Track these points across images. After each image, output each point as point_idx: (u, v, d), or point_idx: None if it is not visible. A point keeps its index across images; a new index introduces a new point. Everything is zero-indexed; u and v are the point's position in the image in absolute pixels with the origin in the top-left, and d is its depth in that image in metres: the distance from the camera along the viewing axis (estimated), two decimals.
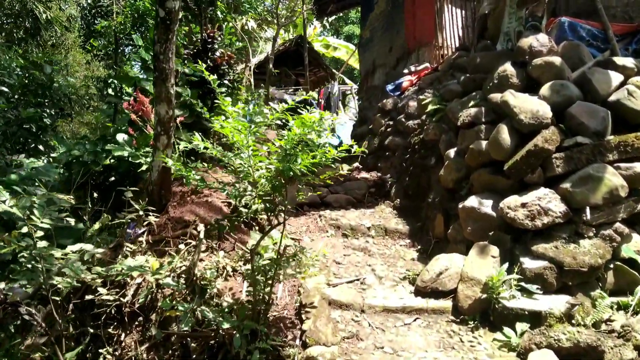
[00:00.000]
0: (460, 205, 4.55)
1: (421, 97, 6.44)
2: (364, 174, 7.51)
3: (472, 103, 5.14)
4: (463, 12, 7.24)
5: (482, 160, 4.60)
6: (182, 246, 4.35)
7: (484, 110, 4.86)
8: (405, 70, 8.16)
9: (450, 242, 4.80)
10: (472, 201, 4.46)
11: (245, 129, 3.22)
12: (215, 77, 3.83)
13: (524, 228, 4.01)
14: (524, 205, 4.04)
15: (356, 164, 8.21)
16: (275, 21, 17.03)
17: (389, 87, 7.91)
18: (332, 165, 3.72)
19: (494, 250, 4.11)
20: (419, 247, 5.35)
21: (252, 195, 3.56)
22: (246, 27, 13.43)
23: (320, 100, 23.81)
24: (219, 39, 7.58)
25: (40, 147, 10.71)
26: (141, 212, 4.58)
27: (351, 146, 3.60)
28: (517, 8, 5.60)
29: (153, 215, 4.69)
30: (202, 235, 4.27)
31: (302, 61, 18.30)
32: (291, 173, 3.25)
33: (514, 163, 4.21)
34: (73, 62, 22.81)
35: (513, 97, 4.43)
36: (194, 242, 4.37)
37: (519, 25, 5.57)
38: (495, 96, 4.73)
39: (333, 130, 22.99)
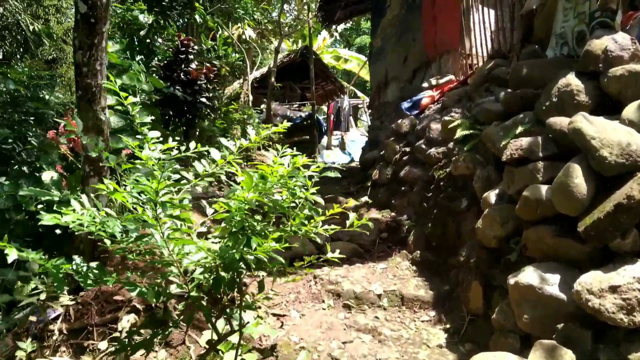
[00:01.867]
0: (511, 281, 3.20)
1: (446, 118, 5.13)
2: (374, 213, 6.18)
3: (520, 129, 3.82)
4: (496, 11, 5.94)
5: (542, 213, 3.26)
6: (103, 345, 3.04)
7: (541, 141, 3.52)
8: (425, 84, 6.87)
9: (496, 329, 3.44)
10: (529, 276, 3.11)
11: (153, 195, 1.92)
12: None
13: (616, 325, 2.66)
14: (614, 289, 2.69)
15: (365, 198, 6.89)
16: (278, 30, 15.87)
17: (405, 104, 6.61)
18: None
19: (568, 355, 2.75)
20: (448, 325, 4.01)
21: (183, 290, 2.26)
22: (244, 37, 12.21)
23: (330, 115, 22.65)
24: (196, 48, 6.35)
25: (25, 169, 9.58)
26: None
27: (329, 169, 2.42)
28: (576, 1, 4.29)
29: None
30: (126, 326, 2.96)
31: (308, 74, 17.08)
32: (241, 265, 1.96)
33: (595, 222, 2.87)
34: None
35: (588, 124, 3.10)
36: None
37: (579, 23, 4.25)
38: (557, 121, 3.41)
39: (343, 148, 21.85)
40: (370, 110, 11.43)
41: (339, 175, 2.61)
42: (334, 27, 22.16)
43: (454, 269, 4.36)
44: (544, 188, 3.27)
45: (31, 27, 19.19)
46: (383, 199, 6.38)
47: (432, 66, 7.47)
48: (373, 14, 11.24)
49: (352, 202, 6.47)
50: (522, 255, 3.42)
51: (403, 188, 5.89)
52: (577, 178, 3.01)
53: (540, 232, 3.25)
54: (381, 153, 6.95)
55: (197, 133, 6.31)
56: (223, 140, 2.75)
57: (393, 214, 5.96)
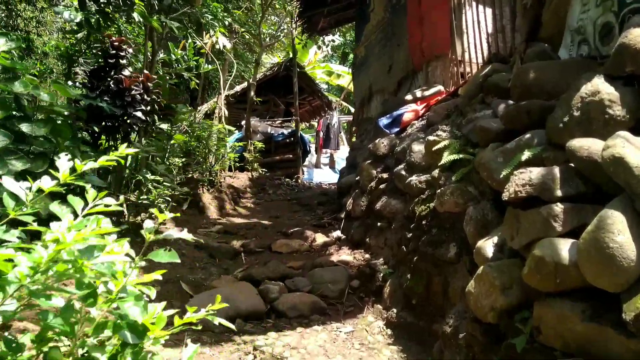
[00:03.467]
0: None
1: (431, 137, 4.09)
2: (345, 254, 5.12)
3: (527, 155, 2.78)
4: (493, 9, 4.94)
5: (565, 283, 2.20)
6: None
7: (559, 174, 2.47)
8: (408, 97, 5.85)
9: None
10: None
11: None
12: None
13: None
14: None
15: (337, 233, 5.82)
16: (258, 41, 14.91)
17: (383, 120, 5.58)
18: None
19: None
20: None
21: None
22: (217, 47, 11.21)
23: (319, 132, 21.67)
24: (130, 51, 5.31)
25: None
26: None
27: None
28: None
29: None
30: None
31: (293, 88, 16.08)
32: None
33: None
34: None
35: (635, 150, 2.06)
36: None
37: (604, 12, 3.24)
38: (583, 145, 2.38)
39: (333, 166, 20.84)
40: (353, 128, 10.40)
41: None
42: (323, 39, 21.26)
43: (439, 339, 3.28)
44: (565, 245, 2.22)
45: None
46: (357, 235, 5.32)
47: (418, 76, 6.47)
48: (357, 21, 10.28)
49: (320, 238, 5.42)
50: (534, 342, 2.35)
51: (379, 224, 4.82)
52: (620, 234, 1.97)
53: (562, 313, 2.19)
54: (357, 178, 5.89)
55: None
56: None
57: (367, 255, 4.89)
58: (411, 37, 6.53)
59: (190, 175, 7.74)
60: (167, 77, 11.91)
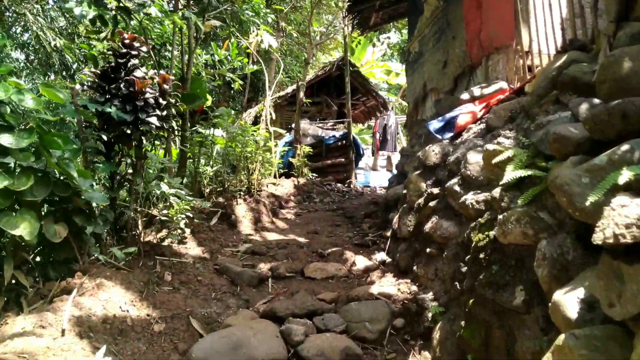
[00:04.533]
0: None
1: (490, 146, 3.30)
2: (388, 284, 4.37)
3: (627, 176, 1.97)
4: None
5: None
6: None
7: None
8: (464, 96, 5.04)
9: None
10: None
11: None
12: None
13: None
14: None
15: (381, 256, 5.07)
16: (309, 39, 14.31)
17: (434, 124, 4.80)
18: None
19: None
20: None
21: None
22: (262, 46, 10.68)
23: (375, 133, 20.92)
24: (144, 49, 4.76)
25: None
26: None
27: None
28: None
29: None
30: None
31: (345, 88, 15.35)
32: None
33: None
34: None
35: None
36: None
37: None
38: None
39: (390, 168, 19.96)
40: (406, 132, 9.60)
41: None
42: (377, 36, 20.42)
43: None
44: None
45: (52, 43, 18.54)
46: (403, 261, 4.55)
47: (476, 72, 5.64)
48: (410, 15, 9.46)
49: (361, 262, 4.71)
50: None
51: (429, 249, 4.04)
52: None
53: None
54: (404, 192, 5.12)
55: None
56: None
57: (414, 287, 4.12)
58: (468, 27, 5.71)
59: (225, 185, 7.19)
60: (210, 79, 11.49)
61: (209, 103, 10.72)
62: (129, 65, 4.71)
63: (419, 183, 4.59)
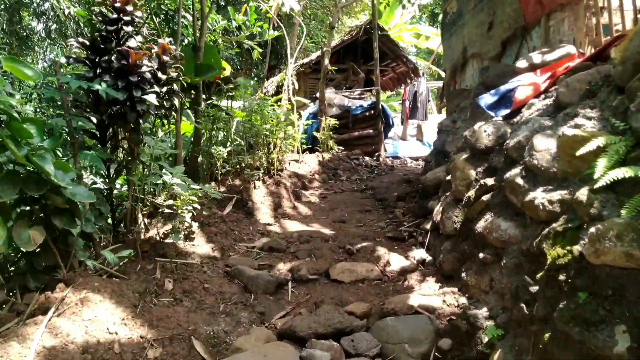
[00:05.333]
0: None
1: (569, 131, 2.57)
2: (429, 292, 3.69)
3: None
4: None
5: None
6: None
7: None
8: (521, 63, 4.25)
9: None
10: None
11: None
12: None
13: None
14: None
15: (420, 254, 4.39)
16: (333, 2, 13.42)
17: (486, 98, 4.03)
18: None
19: None
20: None
21: None
22: (284, 9, 9.89)
23: (405, 101, 20.02)
24: (138, 15, 4.08)
25: None
26: None
27: None
28: None
29: None
30: None
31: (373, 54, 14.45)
32: None
33: None
34: None
35: None
36: None
37: None
38: None
39: (421, 137, 19.15)
40: (442, 102, 8.79)
41: None
42: None
43: None
44: None
45: (67, 11, 17.96)
46: (448, 263, 3.86)
47: (532, 34, 4.82)
48: None
49: (396, 261, 4.07)
50: None
51: (482, 255, 3.34)
52: None
53: None
54: (447, 178, 4.40)
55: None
56: None
57: (463, 299, 3.44)
58: None
59: (242, 166, 6.54)
60: (227, 46, 10.78)
61: (227, 73, 10.05)
62: (121, 33, 4.04)
63: (467, 170, 3.86)
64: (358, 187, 8.14)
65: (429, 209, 4.92)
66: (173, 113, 4.60)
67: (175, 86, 4.28)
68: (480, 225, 3.40)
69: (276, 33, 11.01)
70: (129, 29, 4.01)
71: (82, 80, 3.72)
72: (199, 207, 4.33)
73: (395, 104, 30.94)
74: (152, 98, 3.94)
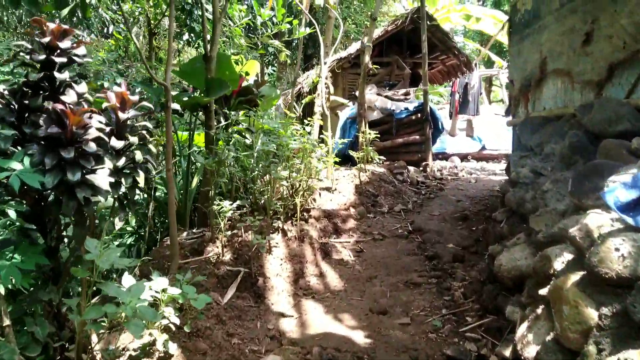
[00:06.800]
0: None
1: None
2: None
3: None
4: None
5: None
6: None
7: None
8: None
9: None
10: None
11: None
12: None
13: None
14: None
15: None
16: None
17: (617, 193, 2.49)
18: None
19: None
20: None
21: None
22: (317, 2, 8.48)
23: (454, 93, 18.39)
24: (81, 52, 2.78)
25: None
26: None
27: None
28: None
29: None
30: None
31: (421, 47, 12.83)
32: None
33: None
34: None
35: None
36: None
37: None
38: None
39: (471, 132, 17.56)
40: (509, 119, 7.26)
41: None
42: None
43: None
44: None
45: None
46: None
47: None
48: None
49: None
50: None
51: None
52: None
53: None
54: (534, 267, 2.99)
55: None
56: None
57: None
58: None
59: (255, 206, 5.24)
60: (251, 47, 9.46)
61: (253, 74, 8.75)
62: (56, 81, 2.77)
63: (583, 308, 2.44)
64: (402, 227, 6.74)
65: (505, 314, 3.52)
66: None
67: (138, 155, 2.97)
68: None
69: (308, 30, 9.63)
70: (64, 75, 2.73)
71: None
72: (177, 322, 3.07)
73: (442, 90, 29.11)
74: (101, 178, 2.68)
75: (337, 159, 8.18)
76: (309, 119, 9.48)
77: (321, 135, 9.16)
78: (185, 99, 6.56)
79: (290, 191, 5.72)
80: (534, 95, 6.00)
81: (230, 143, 6.30)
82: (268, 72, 28.90)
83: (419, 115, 12.27)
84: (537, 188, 4.15)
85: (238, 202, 5.16)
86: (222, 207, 4.59)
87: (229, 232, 4.89)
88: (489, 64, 30.81)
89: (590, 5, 4.50)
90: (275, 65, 20.25)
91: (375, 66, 11.81)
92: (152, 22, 11.01)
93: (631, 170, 2.86)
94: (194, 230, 5.85)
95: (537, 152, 4.70)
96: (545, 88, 5.65)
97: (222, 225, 4.62)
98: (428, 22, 13.09)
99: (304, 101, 13.47)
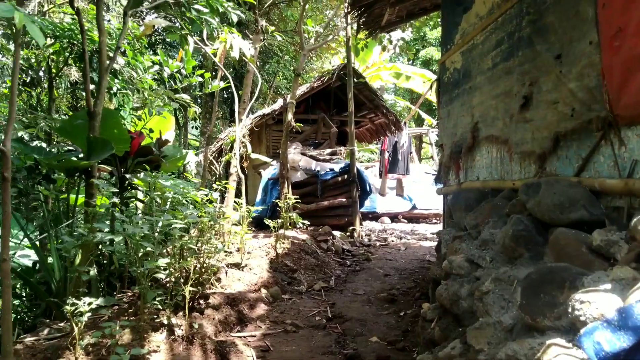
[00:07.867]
0: None
1: None
2: None
3: None
4: None
5: None
6: None
7: None
8: None
9: None
10: None
11: None
12: None
13: None
14: None
15: None
16: (300, 43, 11.35)
17: (598, 337, 1.70)
18: None
19: None
20: None
21: None
22: (232, 54, 7.72)
23: (384, 152, 18.06)
24: None
25: None
26: None
27: None
28: None
29: None
30: None
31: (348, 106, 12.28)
32: None
33: None
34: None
35: None
36: None
37: None
38: None
39: (401, 192, 17.11)
40: (439, 187, 6.61)
41: None
42: (389, 36, 17.32)
43: None
44: None
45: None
46: None
47: (627, 135, 2.68)
48: (445, 7, 6.50)
49: None
50: None
51: None
52: None
53: None
54: None
55: None
56: None
57: None
58: (611, 39, 2.75)
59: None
60: (158, 99, 8.57)
61: (156, 135, 7.79)
62: None
63: None
64: (321, 312, 5.83)
65: None
66: None
67: None
68: None
69: (222, 84, 8.83)
70: None
71: None
72: None
73: (373, 147, 28.96)
74: None
75: (251, 229, 7.25)
76: (224, 181, 8.58)
77: (236, 199, 8.26)
78: (61, 160, 5.54)
79: (180, 278, 4.71)
80: (466, 163, 5.37)
81: (124, 213, 5.31)
82: (196, 125, 27.89)
83: (346, 176, 11.61)
84: (474, 283, 3.38)
85: (102, 299, 4.10)
86: (77, 307, 3.54)
87: (92, 340, 3.80)
88: (420, 121, 31.07)
89: (528, 66, 3.90)
90: (201, 119, 19.34)
91: (299, 124, 11.13)
92: (53, 70, 9.97)
93: (603, 283, 2.11)
94: (61, 325, 4.71)
95: (474, 236, 3.97)
96: (479, 156, 5.02)
97: (76, 331, 3.56)
98: (355, 79, 12.65)
99: (223, 159, 12.58)
